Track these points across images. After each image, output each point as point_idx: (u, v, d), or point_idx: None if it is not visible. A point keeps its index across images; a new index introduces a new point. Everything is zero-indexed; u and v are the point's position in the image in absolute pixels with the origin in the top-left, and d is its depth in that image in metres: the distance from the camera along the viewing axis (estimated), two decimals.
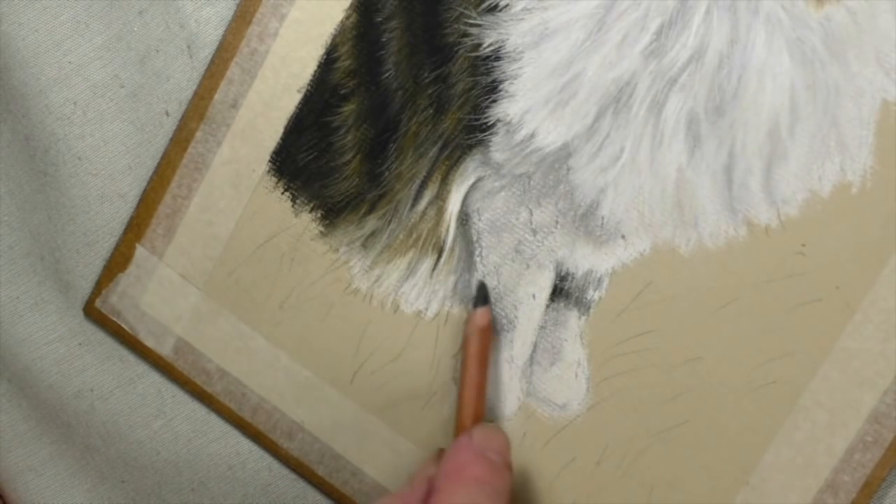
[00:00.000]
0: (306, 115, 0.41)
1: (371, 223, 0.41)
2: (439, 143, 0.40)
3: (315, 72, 0.40)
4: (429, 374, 0.41)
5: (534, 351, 0.41)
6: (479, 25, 0.38)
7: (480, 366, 0.38)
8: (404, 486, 0.37)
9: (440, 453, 0.38)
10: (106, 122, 0.43)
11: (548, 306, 0.40)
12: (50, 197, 0.45)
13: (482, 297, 0.39)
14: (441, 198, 0.40)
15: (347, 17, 0.40)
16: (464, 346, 0.39)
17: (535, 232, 0.39)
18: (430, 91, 0.39)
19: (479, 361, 0.38)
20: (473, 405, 0.38)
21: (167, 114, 0.43)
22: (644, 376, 0.39)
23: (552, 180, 0.39)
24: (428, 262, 0.41)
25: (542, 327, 0.40)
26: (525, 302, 0.40)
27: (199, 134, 0.42)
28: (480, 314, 0.39)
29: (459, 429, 0.38)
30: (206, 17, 0.42)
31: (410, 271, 0.41)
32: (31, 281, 0.46)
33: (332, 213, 0.41)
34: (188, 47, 0.42)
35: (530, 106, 0.38)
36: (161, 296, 0.44)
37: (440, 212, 0.40)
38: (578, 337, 0.40)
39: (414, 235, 0.41)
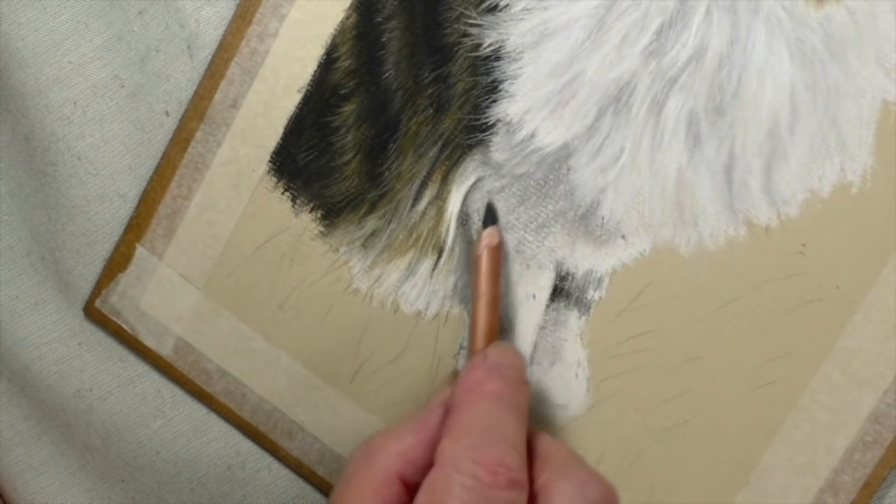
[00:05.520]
0: (306, 115, 0.41)
1: (371, 223, 0.41)
2: (439, 143, 0.40)
3: (315, 72, 0.40)
4: (429, 374, 0.41)
5: (534, 351, 0.41)
6: (479, 25, 0.38)
7: (493, 284, 0.38)
8: (419, 411, 0.36)
9: (454, 376, 0.37)
10: (106, 122, 0.43)
11: (548, 306, 0.40)
12: (50, 197, 0.45)
13: (491, 216, 0.39)
14: (441, 198, 0.40)
15: (347, 17, 0.40)
16: (474, 266, 0.38)
17: (535, 232, 0.39)
18: (430, 91, 0.39)
19: (492, 280, 0.38)
20: (487, 324, 0.37)
21: (167, 114, 0.43)
22: (644, 376, 0.39)
23: (552, 180, 0.39)
24: (428, 262, 0.41)
25: (541, 327, 0.40)
26: (525, 302, 0.40)
27: (199, 134, 0.42)
28: (491, 232, 0.38)
29: (473, 349, 0.37)
30: (206, 17, 0.42)
31: (410, 271, 0.41)
32: (30, 281, 0.46)
33: (332, 213, 0.41)
34: (188, 47, 0.42)
35: (530, 106, 0.38)
36: (161, 296, 0.44)
37: (440, 212, 0.40)
38: (578, 337, 0.40)
39: (414, 235, 0.41)
